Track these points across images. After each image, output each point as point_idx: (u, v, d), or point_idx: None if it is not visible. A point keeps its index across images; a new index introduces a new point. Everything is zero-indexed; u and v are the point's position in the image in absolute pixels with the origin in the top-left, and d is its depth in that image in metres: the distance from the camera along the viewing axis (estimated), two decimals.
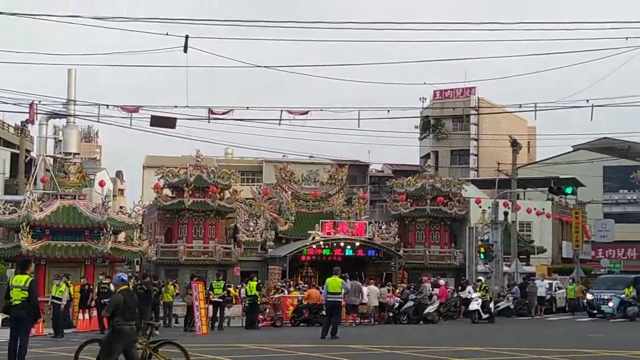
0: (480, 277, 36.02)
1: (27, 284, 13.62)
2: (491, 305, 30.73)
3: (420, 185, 50.84)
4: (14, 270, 33.74)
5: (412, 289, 32.58)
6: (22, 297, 13.55)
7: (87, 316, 26.38)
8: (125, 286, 12.43)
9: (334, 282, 21.73)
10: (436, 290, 31.43)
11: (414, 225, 50.96)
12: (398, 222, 49.71)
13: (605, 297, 31.98)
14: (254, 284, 27.77)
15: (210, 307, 26.28)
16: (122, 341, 11.90)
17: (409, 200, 50.69)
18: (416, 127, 66.95)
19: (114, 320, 12.02)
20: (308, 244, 44.27)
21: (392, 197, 52.37)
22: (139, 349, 12.28)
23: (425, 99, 70.96)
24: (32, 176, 43.18)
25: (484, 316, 29.83)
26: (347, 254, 44.51)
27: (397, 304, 30.65)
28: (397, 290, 33.52)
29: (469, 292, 33.65)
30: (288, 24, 39.43)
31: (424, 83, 44.48)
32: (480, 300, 30.06)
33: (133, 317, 12.03)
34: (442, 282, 33.70)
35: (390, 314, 30.45)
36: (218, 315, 26.59)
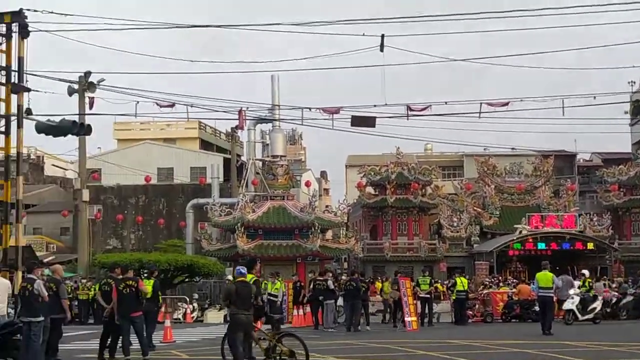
0: (584, 271, 31.17)
1: (252, 283, 14.20)
2: None
3: (633, 173, 48.05)
4: (231, 269, 35.89)
5: (630, 283, 30.83)
6: None
7: (300, 312, 27.34)
8: (242, 278, 12.85)
9: (545, 277, 21.15)
10: None
11: (629, 216, 48.25)
12: (611, 213, 47.17)
13: None
14: (465, 280, 27.56)
15: (418, 302, 26.29)
16: (238, 330, 12.30)
17: (621, 189, 48.11)
18: (626, 113, 63.09)
19: (230, 310, 12.57)
20: (515, 238, 43.14)
21: (603, 187, 49.89)
22: (264, 339, 12.72)
23: (634, 82, 66.79)
24: (244, 179, 45.59)
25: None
26: (556, 247, 42.87)
27: (614, 299, 29.11)
28: (614, 285, 31.79)
29: None
30: (483, 15, 38.59)
31: (633, 66, 41.94)
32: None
33: (247, 307, 12.37)
34: None
35: (608, 310, 28.95)
36: (427, 311, 26.55)
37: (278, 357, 12.66)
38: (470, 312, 28.52)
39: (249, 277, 14.29)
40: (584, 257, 43.37)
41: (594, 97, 27.58)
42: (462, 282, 27.00)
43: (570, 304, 24.67)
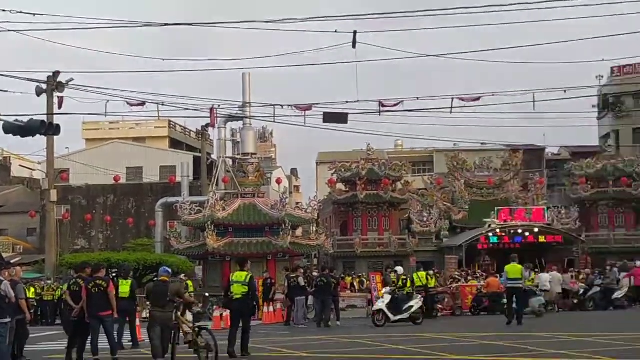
0: (397, 268, 31.29)
1: (247, 280, 15.04)
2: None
3: (601, 166, 48.77)
4: (201, 267, 35.79)
5: (597, 275, 31.23)
6: (242, 292, 14.95)
7: (271, 309, 27.35)
8: (164, 277, 13.63)
9: (514, 269, 21.48)
10: (623, 275, 29.83)
11: (595, 209, 48.98)
12: (578, 206, 47.81)
13: None
14: (422, 273, 27.70)
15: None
16: (153, 325, 13.18)
17: (589, 182, 48.82)
18: (594, 107, 63.83)
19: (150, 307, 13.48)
20: (484, 232, 43.54)
21: (572, 180, 50.58)
22: (188, 332, 13.43)
23: (602, 76, 67.65)
24: (214, 177, 45.43)
25: None
26: (524, 241, 43.36)
27: (582, 290, 29.49)
28: (581, 277, 32.20)
29: None
30: (452, 12, 38.93)
31: (602, 60, 42.46)
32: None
33: (161, 304, 13.17)
34: (638, 263, 31.75)
35: (575, 301, 29.34)
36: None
37: (198, 349, 13.46)
38: (440, 306, 28.67)
39: (244, 274, 15.13)
40: (552, 249, 43.96)
41: (565, 91, 27.78)
42: (419, 277, 27.01)
43: (381, 302, 22.77)
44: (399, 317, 22.53)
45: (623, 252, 45.25)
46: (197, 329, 13.54)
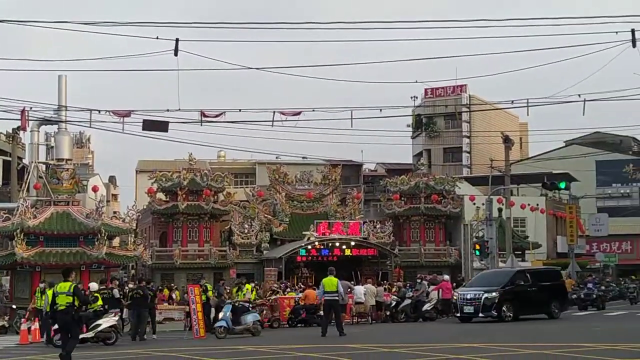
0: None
1: (72, 290, 15.16)
2: None
3: (413, 183, 51.00)
4: (8, 277, 33.74)
5: (408, 287, 32.56)
6: (67, 302, 15.06)
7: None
8: None
9: (330, 282, 21.98)
10: (432, 287, 31.36)
11: (408, 224, 51.11)
12: (392, 220, 49.80)
13: (469, 297, 26.56)
14: (249, 286, 27.80)
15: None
16: None
17: (403, 198, 50.87)
18: (408, 126, 66.95)
19: None
20: (303, 244, 44.28)
21: (386, 196, 52.49)
22: None
23: (417, 97, 71.19)
24: (25, 183, 42.92)
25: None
26: (342, 254, 44.55)
27: (394, 303, 30.64)
28: (394, 289, 33.48)
29: None
30: (276, 25, 39.44)
31: (416, 81, 44.78)
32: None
33: None
34: (446, 277, 33.53)
35: (388, 313, 30.43)
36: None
37: None
38: None
39: (68, 284, 15.25)
40: (367, 262, 45.47)
41: (380, 110, 28.83)
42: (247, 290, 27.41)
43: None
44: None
45: (433, 265, 47.61)
46: None
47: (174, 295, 35.39)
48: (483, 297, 26.04)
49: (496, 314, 25.80)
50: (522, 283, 26.87)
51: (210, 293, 26.67)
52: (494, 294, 26.08)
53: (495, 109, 57.97)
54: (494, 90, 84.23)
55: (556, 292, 27.98)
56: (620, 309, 35.46)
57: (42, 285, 26.53)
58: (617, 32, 22.49)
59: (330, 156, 56.34)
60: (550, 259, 54.39)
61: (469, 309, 26.43)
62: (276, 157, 51.02)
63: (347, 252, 44.77)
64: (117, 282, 25.83)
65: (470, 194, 51.72)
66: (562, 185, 39.60)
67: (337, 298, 21.97)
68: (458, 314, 26.83)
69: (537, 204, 53.24)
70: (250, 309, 24.00)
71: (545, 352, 14.84)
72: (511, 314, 25.89)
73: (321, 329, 21.40)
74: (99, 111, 26.55)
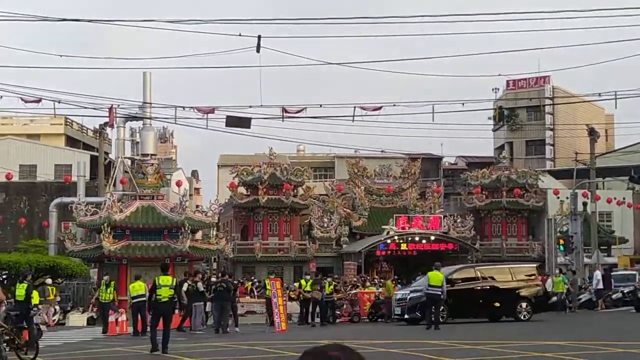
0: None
1: (174, 284, 16.88)
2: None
3: (495, 177, 50.22)
4: (96, 270, 34.80)
5: None
6: (169, 295, 16.53)
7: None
8: None
9: (436, 276, 22.27)
10: None
11: (490, 218, 50.39)
12: (473, 215, 49.15)
13: (398, 297, 25.34)
14: (302, 281, 28.35)
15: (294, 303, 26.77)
16: None
17: (484, 192, 50.16)
18: (489, 119, 65.82)
19: None
20: (382, 239, 44.15)
21: (467, 189, 51.84)
22: (5, 332, 14.81)
23: (498, 89, 69.88)
24: (112, 178, 44.27)
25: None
26: (422, 248, 44.23)
27: None
28: None
29: (549, 285, 33.11)
30: (355, 20, 39.44)
31: (499, 74, 44.00)
32: None
33: None
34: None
35: None
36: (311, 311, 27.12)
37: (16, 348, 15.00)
38: (338, 312, 28.87)
39: (169, 278, 16.70)
40: (448, 257, 44.95)
41: (463, 104, 28.61)
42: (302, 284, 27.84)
43: None
44: None
45: (515, 260, 46.68)
46: (14, 329, 14.90)
47: (254, 289, 35.84)
48: (408, 297, 24.28)
49: (420, 315, 23.50)
50: (464, 281, 24.59)
51: (308, 287, 27.22)
52: (419, 293, 23.74)
53: (581, 101, 56.49)
54: (579, 82, 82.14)
55: (523, 291, 25.10)
56: None
57: (105, 278, 27.35)
58: None
59: (409, 150, 56.03)
60: (638, 254, 52.74)
61: (397, 311, 24.83)
62: (355, 151, 51.05)
63: (427, 247, 44.42)
64: (201, 276, 26.32)
65: (553, 187, 50.55)
66: None
67: (439, 293, 22.05)
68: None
69: (624, 198, 51.62)
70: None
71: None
72: (442, 317, 22.92)
73: (426, 322, 21.98)
74: (184, 107, 27.14)
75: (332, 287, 27.97)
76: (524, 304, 24.94)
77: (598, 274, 33.63)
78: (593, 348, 15.37)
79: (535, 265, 29.60)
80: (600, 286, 32.45)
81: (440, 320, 22.15)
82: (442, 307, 22.48)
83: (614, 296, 32.86)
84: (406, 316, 24.34)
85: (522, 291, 25.18)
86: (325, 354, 2.49)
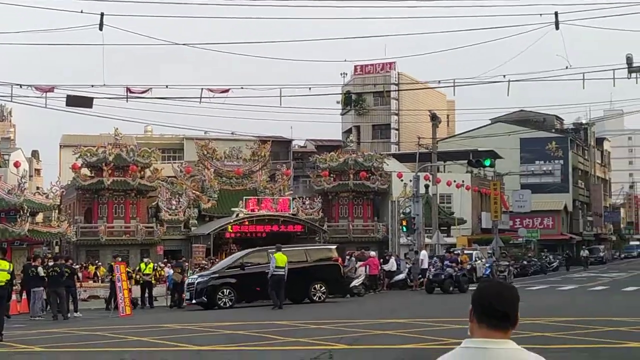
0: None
1: (11, 268, 16.72)
2: None
3: (342, 160, 51.25)
4: None
5: None
6: (6, 279, 16.28)
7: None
8: None
9: (281, 258, 22.77)
10: (360, 263, 31.68)
11: (337, 200, 51.42)
12: (322, 197, 50.02)
13: (188, 282, 25.71)
14: (142, 265, 28.53)
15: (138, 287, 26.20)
16: None
17: (332, 175, 51.09)
18: (338, 102, 67.21)
19: None
20: (232, 221, 44.09)
21: (316, 172, 52.63)
22: None
23: (346, 74, 71.34)
24: None
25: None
26: (270, 230, 44.56)
27: None
28: None
29: (392, 265, 34.31)
30: (206, 1, 38.93)
31: (345, 60, 44.86)
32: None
33: None
34: (372, 253, 33.88)
35: None
36: (147, 295, 26.75)
37: None
38: (184, 296, 28.56)
39: (6, 263, 16.56)
40: (297, 238, 45.56)
41: (309, 89, 29.02)
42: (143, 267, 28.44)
43: None
44: None
45: (360, 241, 48.10)
46: None
47: (98, 273, 34.86)
48: (196, 282, 24.31)
49: (206, 300, 23.73)
50: (253, 264, 24.48)
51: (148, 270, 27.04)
52: (205, 278, 24.29)
53: (424, 88, 58.63)
54: (423, 69, 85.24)
55: (319, 273, 25.14)
56: (541, 284, 36.46)
57: None
58: (541, 15, 23.00)
59: (260, 132, 56.17)
60: (475, 234, 55.64)
61: (187, 295, 24.90)
62: (204, 133, 50.57)
63: (276, 229, 44.78)
64: (40, 260, 25.26)
65: (398, 170, 52.31)
66: (487, 162, 40.33)
67: (283, 274, 22.44)
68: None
69: (463, 181, 54.24)
70: None
71: None
72: (230, 300, 23.59)
73: (273, 302, 22.57)
74: (21, 85, 25.83)
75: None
76: (318, 286, 24.88)
77: (424, 254, 34.30)
78: (433, 324, 16.03)
79: (333, 247, 29.12)
80: (425, 266, 32.82)
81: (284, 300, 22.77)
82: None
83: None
84: (194, 301, 24.11)
85: (317, 273, 25.01)
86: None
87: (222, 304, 23.49)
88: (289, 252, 24.04)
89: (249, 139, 53.62)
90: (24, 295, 25.67)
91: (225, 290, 23.75)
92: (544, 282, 37.65)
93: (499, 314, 2.69)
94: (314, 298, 24.63)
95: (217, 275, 24.32)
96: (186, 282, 25.63)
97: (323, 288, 24.93)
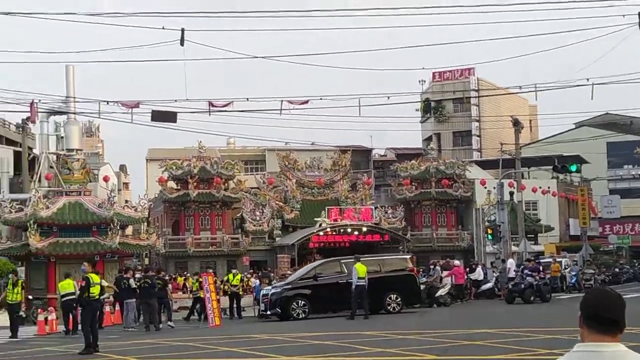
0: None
1: (100, 282, 17.39)
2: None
3: (424, 168, 50.91)
4: (24, 268, 33.92)
5: (422, 273, 32.51)
6: (99, 293, 16.93)
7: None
8: None
9: (362, 268, 22.60)
10: (445, 273, 31.32)
11: (420, 209, 51.05)
12: (404, 206, 49.75)
13: (263, 293, 25.34)
14: (230, 275, 28.91)
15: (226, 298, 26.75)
16: None
17: (413, 183, 50.80)
18: (417, 110, 66.77)
19: None
20: (315, 231, 44.29)
21: (397, 181, 52.42)
22: None
23: (425, 81, 70.84)
24: (36, 174, 43.07)
25: None
26: (354, 239, 44.57)
27: None
28: None
29: (479, 274, 33.79)
30: (284, 14, 39.43)
31: (423, 68, 44.59)
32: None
33: None
34: (457, 262, 33.49)
35: None
36: (235, 305, 27.15)
37: None
38: None
39: (98, 277, 17.15)
40: (380, 248, 45.44)
41: (388, 97, 28.95)
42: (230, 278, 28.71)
43: None
44: None
45: (445, 250, 47.59)
46: None
47: (187, 284, 35.49)
48: (270, 293, 23.98)
49: (280, 311, 23.47)
50: (327, 275, 24.10)
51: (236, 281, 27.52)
52: (279, 289, 23.96)
53: (505, 93, 57.69)
54: (503, 74, 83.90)
55: (394, 283, 24.50)
56: (634, 292, 35.24)
57: (11, 276, 24.62)
58: (624, 15, 22.35)
59: (340, 142, 56.30)
60: (563, 241, 54.29)
61: (263, 307, 24.49)
62: (285, 144, 51.01)
63: (360, 238, 44.76)
64: (132, 272, 25.92)
65: (481, 177, 51.56)
66: (573, 167, 39.42)
67: (365, 284, 22.34)
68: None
69: (549, 187, 53.06)
70: None
71: None
72: (304, 312, 23.27)
73: (351, 312, 22.24)
74: (107, 102, 26.67)
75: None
76: (393, 296, 24.35)
77: (511, 262, 33.61)
78: (517, 335, 15.72)
79: (408, 256, 28.70)
80: (512, 275, 32.04)
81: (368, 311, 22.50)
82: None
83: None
84: (268, 312, 23.98)
85: (391, 283, 24.46)
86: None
87: (295, 315, 23.24)
88: (365, 263, 23.70)
89: (329, 149, 53.82)
90: (117, 307, 26.39)
91: (299, 301, 23.55)
92: (639, 291, 36.39)
93: (607, 321, 2.90)
94: (389, 308, 24.21)
95: (290, 286, 24.09)
96: (261, 293, 25.51)
97: (398, 298, 24.48)
